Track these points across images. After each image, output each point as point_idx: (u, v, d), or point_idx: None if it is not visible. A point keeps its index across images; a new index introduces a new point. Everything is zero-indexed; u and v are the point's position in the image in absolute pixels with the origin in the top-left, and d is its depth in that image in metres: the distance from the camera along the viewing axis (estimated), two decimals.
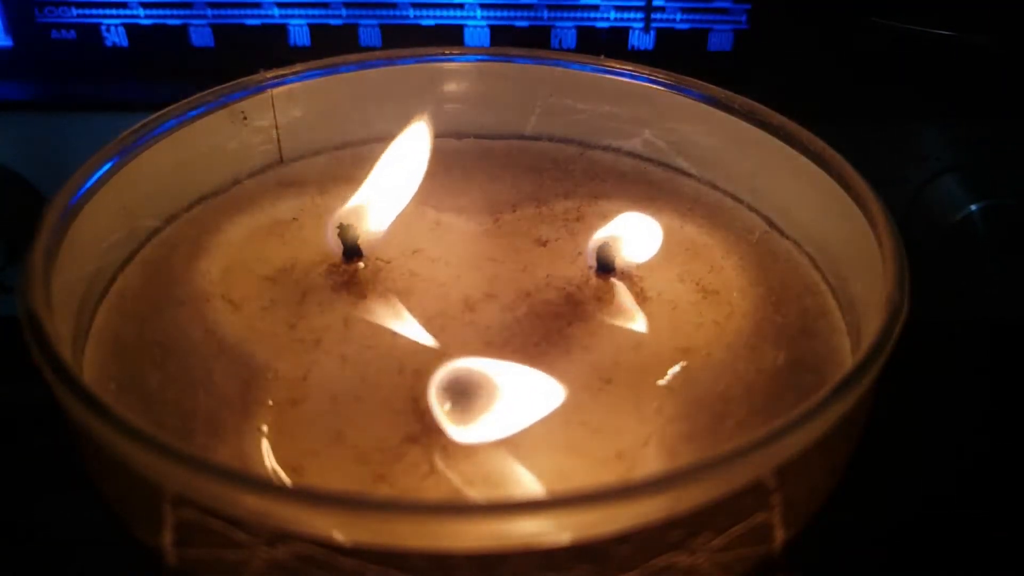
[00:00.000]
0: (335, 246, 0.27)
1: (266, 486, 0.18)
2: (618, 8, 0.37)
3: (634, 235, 0.27)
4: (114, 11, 0.37)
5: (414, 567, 0.18)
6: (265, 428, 0.23)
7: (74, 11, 0.36)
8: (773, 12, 0.37)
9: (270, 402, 0.23)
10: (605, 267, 0.27)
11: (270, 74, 0.30)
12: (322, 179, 0.31)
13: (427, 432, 0.22)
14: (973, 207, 0.36)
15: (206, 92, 0.29)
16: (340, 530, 0.17)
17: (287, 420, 0.23)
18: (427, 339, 0.25)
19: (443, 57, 0.32)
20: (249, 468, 0.21)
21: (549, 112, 0.32)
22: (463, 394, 0.22)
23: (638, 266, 0.27)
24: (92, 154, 0.26)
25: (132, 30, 0.37)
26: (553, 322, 0.26)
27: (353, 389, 0.24)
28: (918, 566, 0.34)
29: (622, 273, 0.27)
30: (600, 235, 0.27)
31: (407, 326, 0.26)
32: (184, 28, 0.37)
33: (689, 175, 0.31)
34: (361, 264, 0.27)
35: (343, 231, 0.27)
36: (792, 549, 0.21)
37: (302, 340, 0.25)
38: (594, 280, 0.27)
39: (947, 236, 0.37)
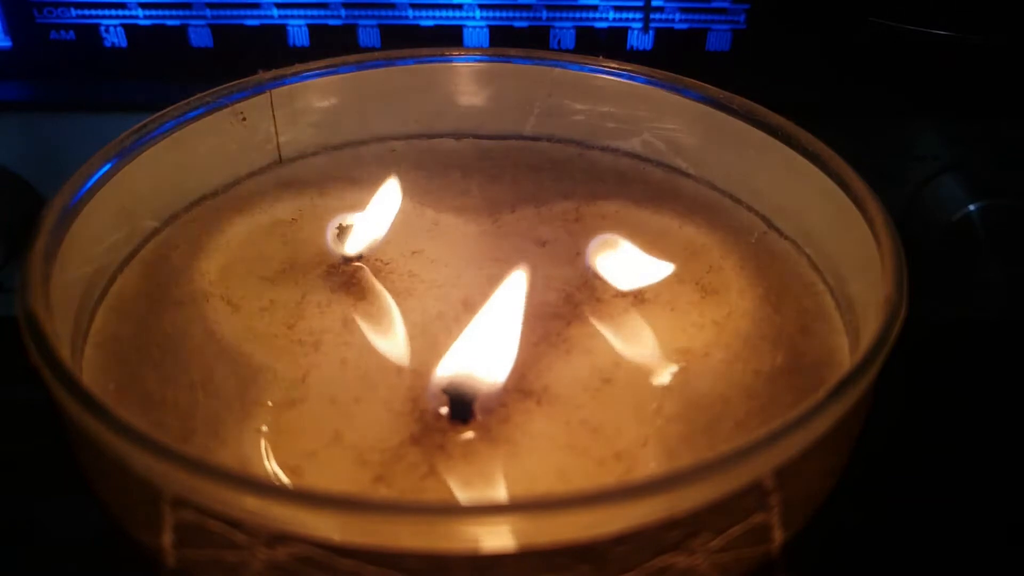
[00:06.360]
0: (334, 247, 0.27)
1: (265, 487, 0.18)
2: (617, 8, 0.37)
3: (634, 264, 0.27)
4: (113, 12, 0.37)
5: (412, 568, 0.18)
6: (264, 429, 0.23)
7: (73, 12, 0.36)
8: (771, 12, 0.37)
9: (269, 403, 0.23)
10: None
11: (269, 75, 0.30)
12: (321, 179, 0.31)
13: (426, 433, 0.22)
14: (971, 207, 0.36)
15: (205, 93, 0.29)
16: (339, 531, 0.17)
17: (286, 421, 0.23)
18: (426, 340, 0.25)
19: (442, 58, 0.32)
20: (248, 469, 0.21)
21: (548, 112, 0.32)
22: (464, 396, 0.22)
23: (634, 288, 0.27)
24: (91, 155, 0.26)
25: (131, 31, 0.37)
26: (552, 323, 0.26)
27: (352, 390, 0.24)
28: (918, 566, 0.34)
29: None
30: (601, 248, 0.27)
31: (406, 327, 0.26)
32: (183, 28, 0.37)
33: (688, 175, 0.31)
34: (360, 265, 0.27)
35: (343, 232, 0.27)
36: (791, 549, 0.21)
37: (301, 341, 0.25)
38: (593, 280, 0.27)
39: (945, 236, 0.37)
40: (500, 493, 0.21)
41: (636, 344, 0.25)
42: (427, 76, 0.32)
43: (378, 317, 0.26)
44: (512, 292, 0.24)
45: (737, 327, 0.26)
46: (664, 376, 0.24)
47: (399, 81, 0.32)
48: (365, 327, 0.26)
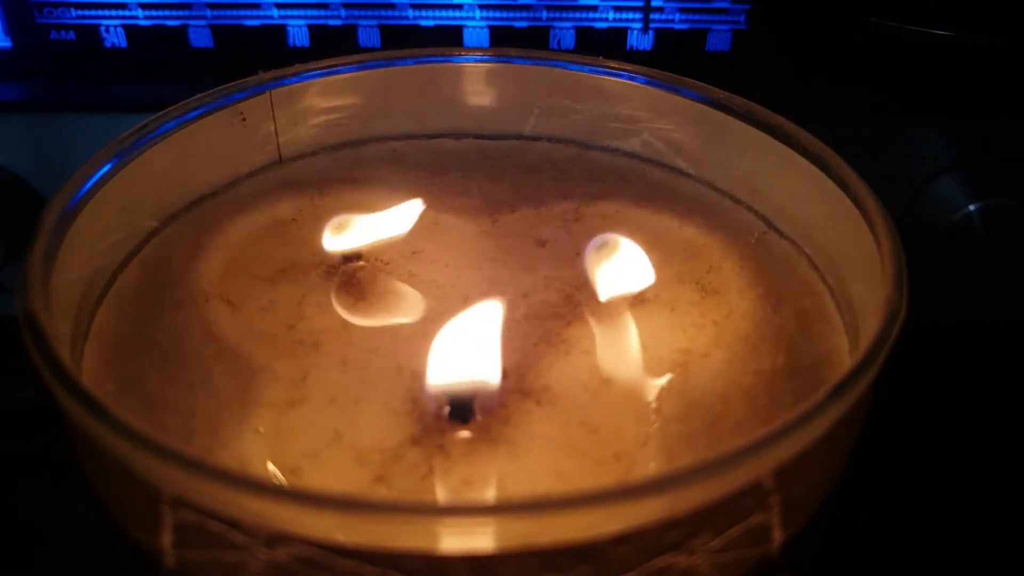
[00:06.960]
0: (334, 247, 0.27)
1: (265, 488, 0.18)
2: (616, 8, 0.37)
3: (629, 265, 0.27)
4: (113, 12, 0.37)
5: (412, 568, 0.18)
6: (264, 429, 0.23)
7: (73, 12, 0.36)
8: (771, 12, 0.37)
9: (269, 403, 0.23)
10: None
11: (269, 75, 0.30)
12: (321, 179, 0.31)
13: (426, 433, 0.22)
14: (971, 207, 0.36)
15: (205, 93, 0.29)
16: (338, 531, 0.17)
17: (286, 421, 0.23)
18: (426, 340, 0.25)
19: (442, 58, 0.32)
20: (248, 469, 0.21)
21: (548, 112, 0.32)
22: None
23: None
24: (91, 155, 0.26)
25: (131, 31, 0.37)
26: (552, 323, 0.26)
27: (352, 390, 0.24)
28: (918, 565, 0.34)
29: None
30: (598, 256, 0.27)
31: (406, 327, 0.26)
32: (183, 29, 0.37)
33: (688, 175, 0.31)
34: (361, 264, 0.27)
35: (342, 231, 0.27)
36: (791, 549, 0.21)
37: (301, 341, 0.25)
38: (592, 281, 0.27)
39: (945, 236, 0.37)
40: (499, 494, 0.21)
41: (636, 344, 0.25)
42: (427, 76, 0.32)
43: (392, 300, 0.26)
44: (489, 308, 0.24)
45: (737, 327, 0.26)
46: (664, 376, 0.24)
47: (399, 81, 0.32)
48: (378, 303, 0.26)
